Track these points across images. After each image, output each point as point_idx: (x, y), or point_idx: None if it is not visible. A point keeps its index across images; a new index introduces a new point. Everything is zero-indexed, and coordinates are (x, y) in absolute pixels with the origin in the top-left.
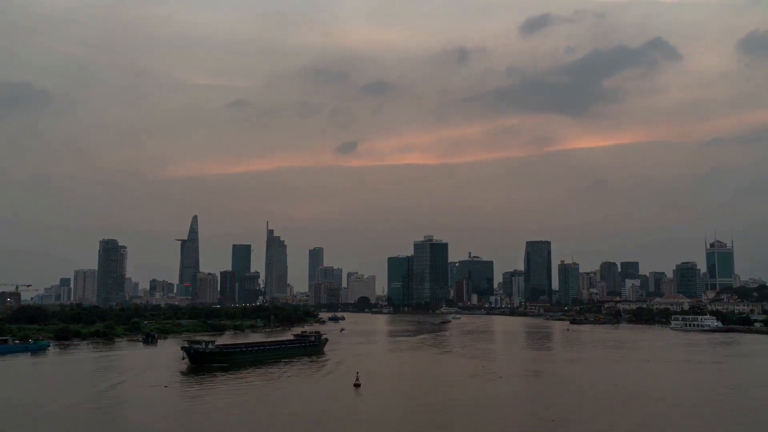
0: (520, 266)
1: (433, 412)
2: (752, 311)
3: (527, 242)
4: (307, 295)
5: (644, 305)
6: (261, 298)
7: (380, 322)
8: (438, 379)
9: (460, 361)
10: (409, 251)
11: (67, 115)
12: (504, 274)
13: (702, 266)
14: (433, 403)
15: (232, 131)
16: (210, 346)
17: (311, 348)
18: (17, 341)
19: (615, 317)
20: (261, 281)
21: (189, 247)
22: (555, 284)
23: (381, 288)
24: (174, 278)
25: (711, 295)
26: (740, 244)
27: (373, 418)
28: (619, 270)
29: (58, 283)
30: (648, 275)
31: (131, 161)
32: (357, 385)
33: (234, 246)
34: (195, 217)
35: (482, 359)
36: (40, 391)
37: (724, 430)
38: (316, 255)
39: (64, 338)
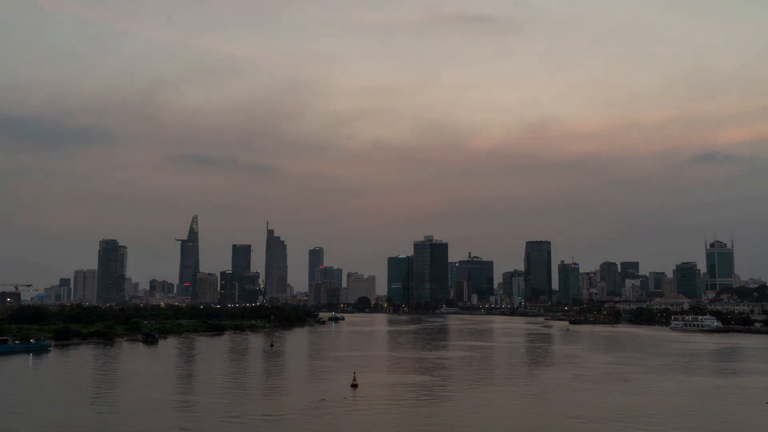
0: (520, 266)
1: (435, 412)
2: (752, 311)
3: (527, 242)
4: (307, 295)
5: (644, 305)
6: (261, 298)
7: (379, 322)
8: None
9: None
10: (409, 251)
11: None
12: (504, 274)
13: (702, 266)
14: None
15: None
16: None
17: None
18: (17, 341)
19: (615, 317)
20: (261, 281)
21: (189, 247)
22: (555, 284)
23: (381, 288)
24: (174, 278)
25: (711, 295)
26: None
27: (372, 418)
28: (619, 270)
29: (58, 283)
30: (648, 275)
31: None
32: (354, 386)
33: (234, 246)
34: (195, 217)
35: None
36: None
37: None
38: (316, 255)
39: (64, 338)
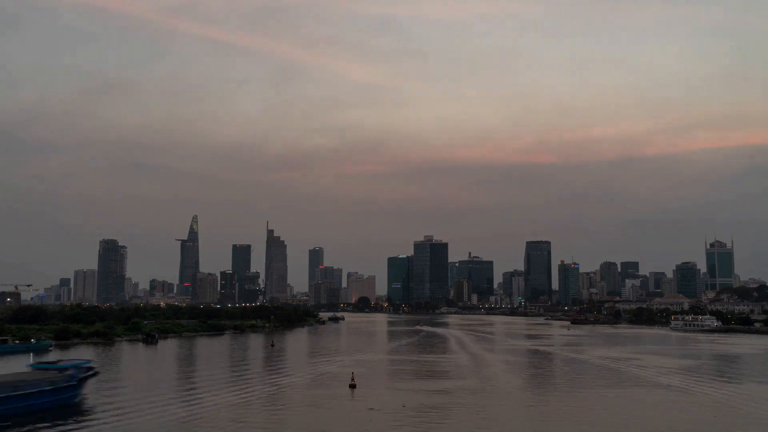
0: (520, 266)
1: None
2: (752, 311)
3: (527, 242)
4: (307, 295)
5: (644, 305)
6: (261, 298)
7: (380, 322)
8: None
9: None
10: (409, 251)
11: None
12: (504, 274)
13: (702, 266)
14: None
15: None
16: None
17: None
18: (17, 341)
19: (615, 317)
20: (261, 281)
21: (189, 247)
22: (555, 284)
23: (381, 288)
24: (174, 278)
25: (711, 295)
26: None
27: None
28: (619, 270)
29: (58, 283)
30: (648, 275)
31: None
32: (353, 386)
33: (234, 246)
34: (195, 217)
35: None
36: None
37: None
38: (316, 255)
39: (64, 338)
